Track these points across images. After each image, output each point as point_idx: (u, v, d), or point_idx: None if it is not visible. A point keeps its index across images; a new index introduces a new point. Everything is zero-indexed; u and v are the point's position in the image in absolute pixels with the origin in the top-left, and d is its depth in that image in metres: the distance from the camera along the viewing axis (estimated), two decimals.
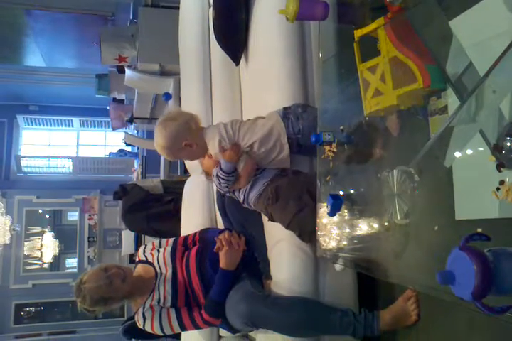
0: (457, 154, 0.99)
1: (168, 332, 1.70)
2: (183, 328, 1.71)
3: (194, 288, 1.75)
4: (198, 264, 1.78)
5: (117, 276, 1.69)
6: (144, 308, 1.69)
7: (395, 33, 1.15)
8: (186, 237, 1.98)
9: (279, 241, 1.69)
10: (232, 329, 1.77)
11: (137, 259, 1.90)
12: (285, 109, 1.72)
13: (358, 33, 1.31)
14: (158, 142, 1.68)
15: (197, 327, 1.73)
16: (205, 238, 1.92)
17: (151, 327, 1.67)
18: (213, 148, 1.68)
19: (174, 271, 1.76)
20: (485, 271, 0.63)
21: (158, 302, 1.70)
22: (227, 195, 1.83)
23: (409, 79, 1.08)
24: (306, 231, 1.53)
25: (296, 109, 1.70)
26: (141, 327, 1.70)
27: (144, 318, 1.67)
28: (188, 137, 1.67)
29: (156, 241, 1.96)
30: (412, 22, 1.19)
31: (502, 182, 0.81)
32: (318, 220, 1.45)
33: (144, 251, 1.90)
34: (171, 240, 1.95)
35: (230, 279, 1.69)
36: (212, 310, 1.68)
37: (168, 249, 1.85)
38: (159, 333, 1.70)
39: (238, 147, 1.65)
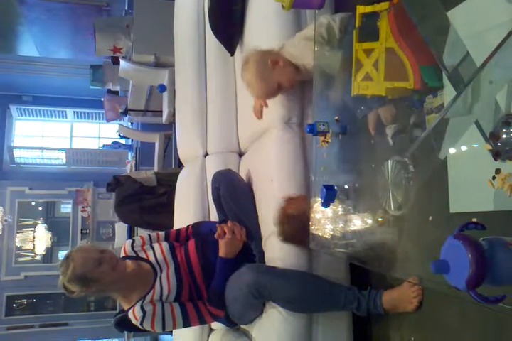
0: (452, 145, 0.98)
1: (169, 328, 1.63)
2: (187, 323, 1.66)
3: (198, 283, 1.72)
4: (201, 258, 1.75)
5: (109, 262, 1.60)
6: (143, 302, 1.62)
7: (397, 25, 1.13)
8: (178, 231, 1.94)
9: (274, 233, 1.68)
10: (230, 322, 1.77)
11: (123, 255, 1.78)
12: None
13: (360, 10, 1.28)
14: (250, 79, 1.72)
15: (202, 320, 1.69)
16: (201, 232, 1.89)
17: (151, 322, 1.59)
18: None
19: (177, 267, 1.72)
20: (480, 259, 0.62)
21: (161, 297, 1.64)
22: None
23: (402, 76, 1.07)
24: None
25: None
26: (138, 323, 1.60)
27: (144, 312, 1.59)
28: (270, 56, 1.68)
29: (145, 235, 1.88)
30: (409, 12, 1.17)
31: (498, 171, 0.80)
32: (311, 213, 1.44)
33: (133, 247, 1.79)
34: (162, 234, 1.89)
35: (231, 267, 1.67)
36: (217, 300, 1.66)
37: (165, 244, 1.79)
38: (159, 330, 1.62)
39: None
